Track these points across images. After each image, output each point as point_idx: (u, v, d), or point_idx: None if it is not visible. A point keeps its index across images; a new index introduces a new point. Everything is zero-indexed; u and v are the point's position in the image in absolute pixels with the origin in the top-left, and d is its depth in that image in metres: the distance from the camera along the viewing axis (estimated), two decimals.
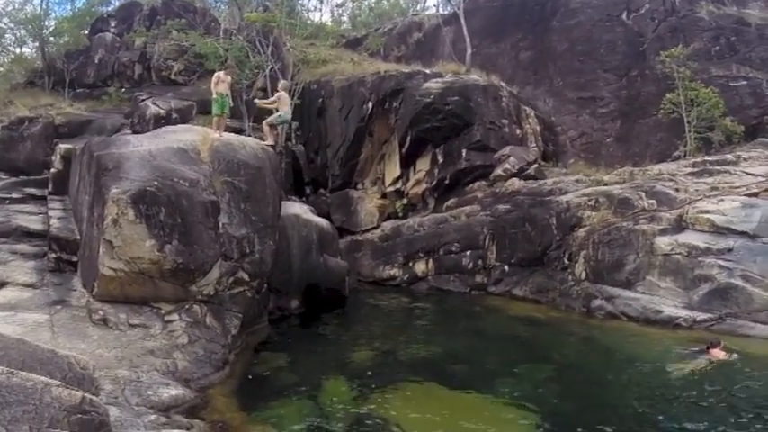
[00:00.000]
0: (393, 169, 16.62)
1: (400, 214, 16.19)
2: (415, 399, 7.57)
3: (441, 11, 24.57)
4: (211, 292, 9.05)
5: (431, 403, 7.44)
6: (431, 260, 14.13)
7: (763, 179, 12.12)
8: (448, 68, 17.35)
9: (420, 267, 14.27)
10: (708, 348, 8.82)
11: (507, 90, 16.56)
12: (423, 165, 16.00)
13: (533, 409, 7.04)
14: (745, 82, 15.83)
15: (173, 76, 19.06)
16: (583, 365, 8.92)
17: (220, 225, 9.29)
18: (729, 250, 10.49)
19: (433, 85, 15.90)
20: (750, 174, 12.51)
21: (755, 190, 11.71)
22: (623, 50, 17.24)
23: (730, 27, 16.63)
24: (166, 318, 8.48)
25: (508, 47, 19.20)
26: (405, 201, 16.28)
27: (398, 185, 16.47)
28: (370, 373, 8.49)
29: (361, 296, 13.46)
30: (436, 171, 15.70)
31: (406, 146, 16.07)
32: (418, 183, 15.99)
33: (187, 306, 8.72)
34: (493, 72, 17.53)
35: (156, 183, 8.67)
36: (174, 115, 15.88)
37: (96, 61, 20.44)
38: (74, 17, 24.63)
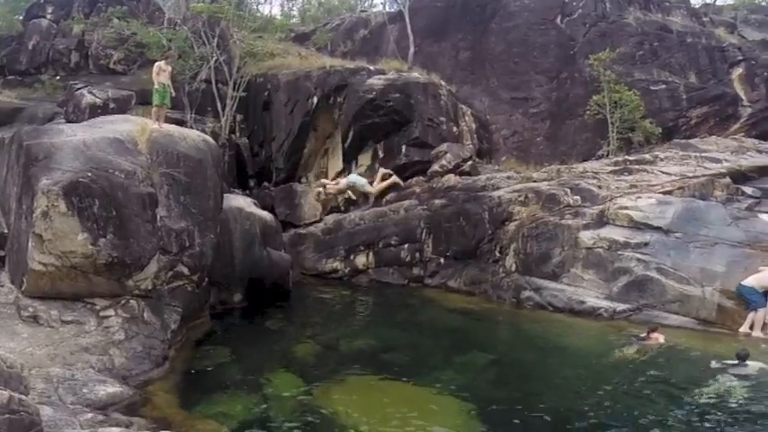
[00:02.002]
0: (336, 163, 16.54)
1: (342, 208, 16.13)
2: (358, 390, 7.57)
3: (387, 9, 24.55)
4: (149, 287, 8.72)
5: (373, 395, 7.47)
6: (371, 253, 14.15)
7: (677, 178, 12.76)
8: (391, 65, 17.35)
9: (361, 260, 14.25)
10: (648, 334, 9.23)
11: (446, 88, 16.72)
12: (364, 160, 15.98)
13: (470, 399, 7.17)
14: (664, 86, 16.59)
15: (112, 65, 18.20)
16: (514, 355, 9.18)
17: (158, 218, 8.93)
18: (646, 244, 10.92)
19: (376, 81, 15.87)
20: (665, 173, 13.12)
21: (670, 188, 12.31)
22: (555, 53, 17.70)
23: (654, 33, 17.33)
24: (102, 313, 8.12)
25: (449, 46, 19.36)
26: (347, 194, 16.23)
27: None
28: (313, 365, 8.43)
29: (305, 289, 13.31)
30: (377, 166, 15.68)
31: (349, 141, 16.00)
32: None
33: (123, 301, 8.37)
34: (433, 70, 17.64)
35: (89, 174, 8.22)
36: (112, 105, 15.17)
37: (30, 48, 19.23)
38: (7, 2, 23.15)
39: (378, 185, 10.23)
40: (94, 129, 9.77)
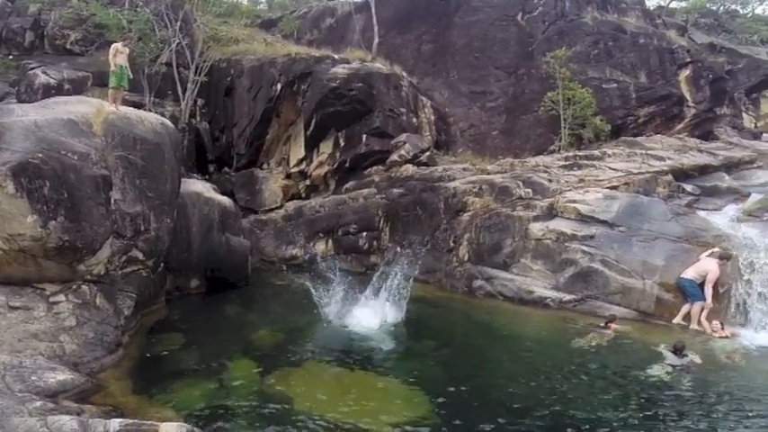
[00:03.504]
0: (298, 151, 16.31)
1: (303, 195, 15.98)
2: (314, 377, 7.51)
3: None
4: (102, 272, 8.47)
5: (329, 381, 7.43)
6: (330, 241, 14.06)
7: (623, 174, 13.09)
8: (355, 55, 17.16)
9: (320, 247, 14.13)
10: (607, 323, 9.52)
11: (408, 80, 16.67)
12: (326, 147, 15.81)
13: (421, 384, 7.24)
14: (615, 85, 16.92)
15: (68, 46, 17.28)
16: (467, 343, 9.22)
17: (112, 201, 8.66)
18: (591, 237, 11.12)
19: (340, 70, 15.67)
20: (612, 168, 13.44)
21: (616, 183, 12.61)
22: (514, 50, 17.83)
23: (609, 33, 17.58)
24: (51, 299, 7.84)
25: (412, 38, 19.28)
26: (308, 182, 16.06)
27: (302, 167, 16.19)
28: (271, 352, 8.30)
29: (264, 276, 13.10)
30: (338, 154, 15.57)
31: (311, 128, 15.78)
32: (321, 165, 15.80)
33: (74, 286, 8.12)
34: (396, 62, 17.55)
35: (40, 155, 7.88)
36: (67, 86, 14.41)
37: None
38: None
39: None
40: (47, 109, 9.42)
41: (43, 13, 17.91)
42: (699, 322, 9.72)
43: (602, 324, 9.61)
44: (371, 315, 9.63)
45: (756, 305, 9.57)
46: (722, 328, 9.41)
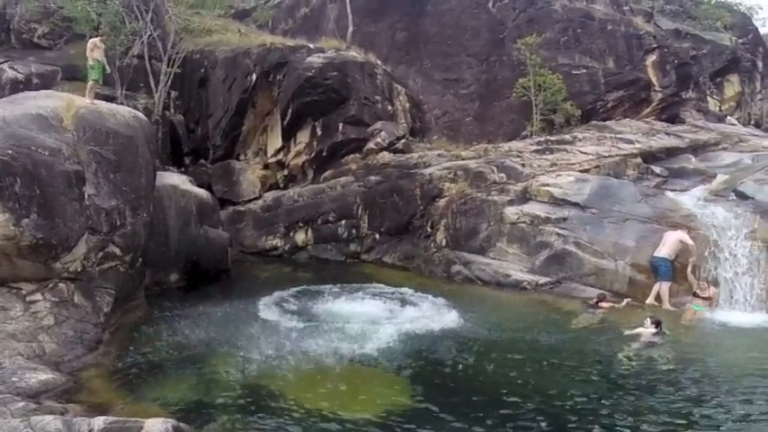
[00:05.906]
0: (275, 141, 16.08)
1: (281, 185, 15.79)
2: (299, 369, 7.40)
3: None
4: (78, 269, 8.23)
5: (313, 372, 7.31)
6: (310, 230, 13.98)
7: (594, 157, 13.24)
8: (330, 44, 16.90)
9: (300, 237, 14.06)
10: (597, 303, 9.58)
11: (382, 68, 16.52)
12: (303, 137, 15.61)
13: (409, 374, 7.22)
14: (584, 70, 17.04)
15: (36, 40, 16.66)
16: (450, 329, 9.10)
17: (86, 196, 8.42)
18: (564, 219, 11.21)
19: (316, 59, 15.45)
20: (583, 152, 13.58)
21: (587, 167, 12.77)
22: (486, 37, 17.78)
23: (578, 20, 17.64)
24: (28, 298, 7.63)
25: (386, 27, 19.07)
26: (286, 172, 15.86)
27: (280, 156, 15.97)
28: (254, 345, 8.12)
29: (244, 267, 12.96)
30: (315, 143, 15.40)
31: (288, 118, 15.56)
32: (298, 154, 15.63)
33: (51, 285, 7.89)
34: (371, 50, 17.34)
35: (9, 152, 7.61)
36: (35, 80, 13.94)
37: None
38: None
39: None
40: (15, 105, 9.14)
41: (8, 6, 17.19)
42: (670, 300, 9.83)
43: (592, 303, 9.66)
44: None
45: (724, 283, 9.75)
46: (708, 287, 9.61)
